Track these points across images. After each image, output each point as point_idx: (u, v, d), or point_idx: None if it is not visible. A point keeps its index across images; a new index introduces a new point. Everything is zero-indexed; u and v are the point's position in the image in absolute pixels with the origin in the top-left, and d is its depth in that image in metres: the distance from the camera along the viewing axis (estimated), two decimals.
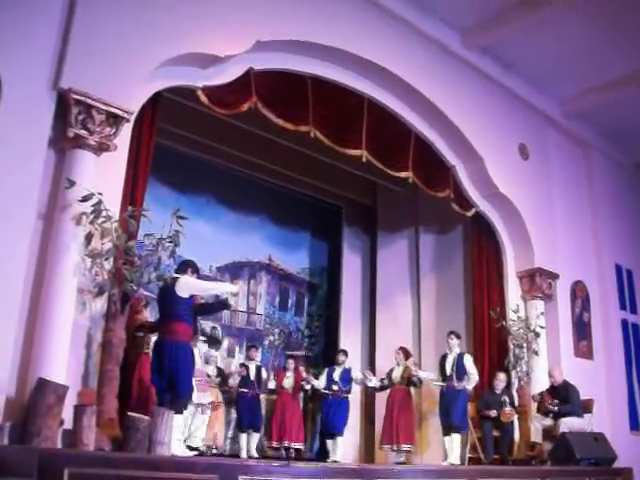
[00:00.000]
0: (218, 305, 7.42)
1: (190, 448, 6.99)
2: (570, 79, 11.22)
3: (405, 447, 9.78)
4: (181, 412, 6.26)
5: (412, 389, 10.24)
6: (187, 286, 6.41)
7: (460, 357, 9.35)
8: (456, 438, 9.09)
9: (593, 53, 10.46)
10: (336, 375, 10.16)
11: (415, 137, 10.00)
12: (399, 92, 9.52)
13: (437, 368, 9.59)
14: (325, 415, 10.12)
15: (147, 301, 8.01)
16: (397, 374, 10.12)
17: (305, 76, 8.73)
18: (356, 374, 10.34)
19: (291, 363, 10.47)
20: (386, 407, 10.10)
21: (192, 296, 6.52)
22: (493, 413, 9.16)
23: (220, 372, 9.67)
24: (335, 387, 10.08)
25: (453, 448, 9.04)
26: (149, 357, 7.03)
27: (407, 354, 10.34)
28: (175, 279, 6.45)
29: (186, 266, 6.69)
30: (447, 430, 9.17)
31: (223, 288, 7.05)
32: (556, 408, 9.09)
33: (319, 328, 12.70)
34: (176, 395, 6.20)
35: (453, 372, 9.26)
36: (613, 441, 9.33)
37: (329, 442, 10.09)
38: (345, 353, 10.50)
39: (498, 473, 7.56)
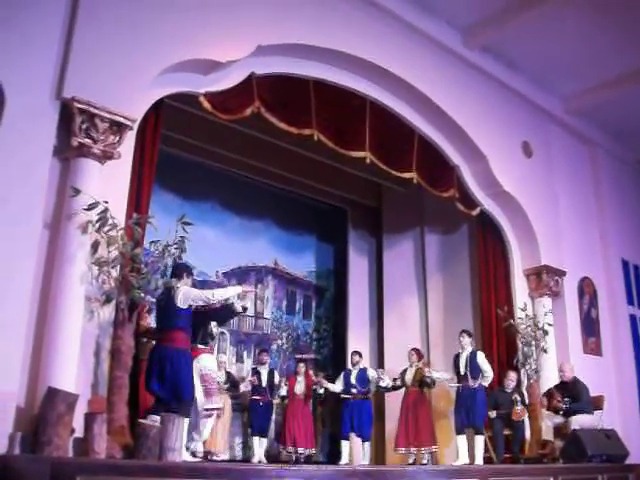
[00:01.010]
0: (226, 312, 7.38)
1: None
2: (573, 76, 11.22)
3: (427, 449, 9.70)
4: (187, 416, 6.37)
5: (426, 390, 10.18)
6: (187, 297, 6.42)
7: (473, 355, 9.25)
8: (479, 439, 8.95)
9: (596, 50, 10.45)
10: (353, 377, 10.07)
11: (418, 137, 9.99)
12: (401, 93, 9.52)
13: (452, 368, 9.49)
14: (348, 418, 9.91)
15: (150, 307, 8.02)
16: (410, 375, 10.03)
17: (307, 79, 8.73)
18: (372, 373, 10.19)
19: (302, 367, 10.34)
20: (401, 410, 10.01)
21: (191, 306, 6.52)
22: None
23: (229, 377, 9.62)
24: (354, 390, 9.97)
25: (479, 449, 8.92)
26: None
27: (420, 355, 10.30)
28: (175, 290, 6.44)
29: (181, 271, 6.66)
30: (461, 430, 9.07)
31: (225, 293, 6.91)
32: (565, 406, 9.06)
33: (327, 331, 12.71)
34: (180, 401, 6.22)
35: (467, 371, 9.15)
36: (624, 437, 9.29)
37: (344, 444, 9.92)
38: (359, 354, 10.39)
39: (510, 472, 7.54)
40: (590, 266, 11.66)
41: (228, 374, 9.64)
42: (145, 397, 7.11)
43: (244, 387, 9.62)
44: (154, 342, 6.90)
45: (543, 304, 10.45)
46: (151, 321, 7.97)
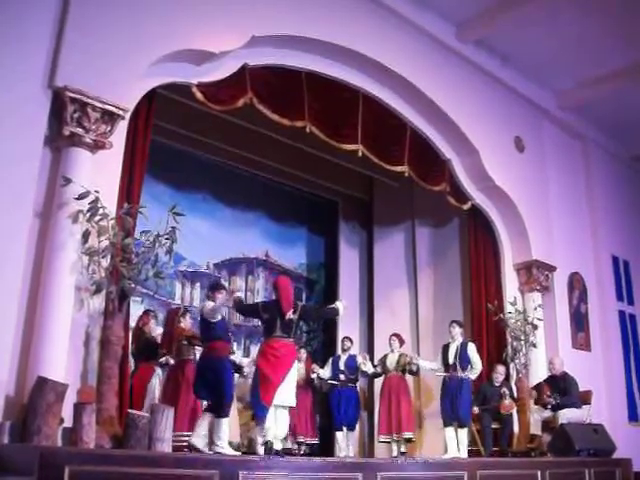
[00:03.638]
0: (331, 312, 8.08)
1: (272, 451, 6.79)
2: (566, 71, 11.24)
3: (407, 435, 9.70)
4: (227, 416, 6.66)
5: (407, 376, 10.11)
6: (205, 312, 6.83)
7: (464, 346, 9.10)
8: (462, 432, 8.85)
9: (590, 45, 10.46)
10: (341, 363, 10.02)
11: (411, 131, 9.99)
12: (394, 86, 9.51)
13: (439, 357, 9.35)
14: (335, 408, 9.88)
15: (185, 309, 8.46)
16: (392, 361, 9.99)
17: (300, 71, 8.71)
18: (360, 359, 10.12)
19: (303, 353, 10.23)
20: (381, 396, 9.97)
21: (223, 318, 6.99)
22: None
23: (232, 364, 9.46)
24: (342, 376, 9.91)
25: (462, 442, 8.83)
26: (192, 364, 7.76)
27: (401, 341, 10.23)
28: (203, 307, 6.97)
29: (210, 289, 7.22)
30: (448, 421, 8.92)
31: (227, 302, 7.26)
32: (554, 402, 9.10)
33: (317, 323, 12.70)
34: (222, 402, 6.60)
35: (456, 361, 8.99)
36: (612, 432, 9.34)
37: (339, 435, 9.90)
38: (350, 340, 10.39)
39: (498, 465, 7.56)
40: (580, 261, 11.70)
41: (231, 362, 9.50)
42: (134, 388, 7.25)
43: (248, 369, 9.37)
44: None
45: (533, 299, 10.48)
46: (189, 324, 8.26)
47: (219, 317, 6.82)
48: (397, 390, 9.85)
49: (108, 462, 4.46)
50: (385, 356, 10.14)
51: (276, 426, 6.81)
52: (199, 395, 6.98)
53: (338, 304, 7.48)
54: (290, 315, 6.99)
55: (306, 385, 10.13)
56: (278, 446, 6.76)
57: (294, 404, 7.00)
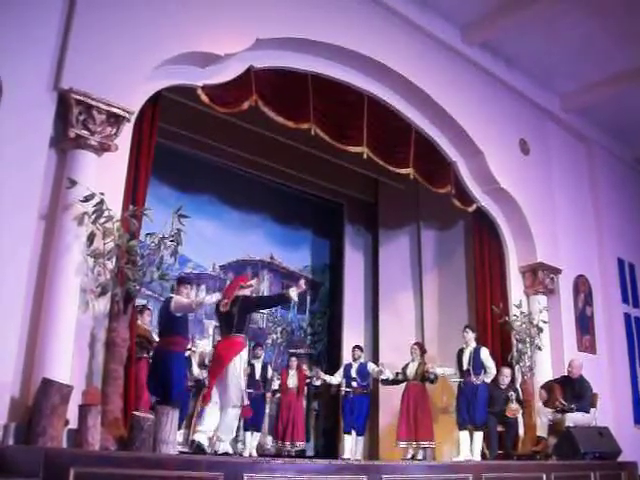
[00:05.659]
0: (280, 300, 8.05)
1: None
2: (571, 74, 11.23)
3: (425, 444, 9.72)
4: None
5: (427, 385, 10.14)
6: (176, 307, 6.83)
7: (477, 351, 9.19)
8: (478, 436, 8.89)
9: (594, 48, 10.46)
10: (353, 371, 10.09)
11: (416, 133, 9.99)
12: (399, 88, 9.52)
13: (455, 362, 9.42)
14: (347, 413, 9.99)
15: (143, 306, 8.33)
16: (412, 369, 10.02)
17: (305, 73, 8.72)
18: (372, 367, 10.21)
19: (294, 361, 10.42)
20: (402, 403, 9.97)
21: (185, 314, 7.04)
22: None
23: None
24: (354, 384, 10.01)
25: (477, 445, 8.88)
26: (147, 361, 7.67)
27: (423, 350, 10.29)
28: (170, 299, 6.93)
29: (176, 283, 7.32)
30: (463, 425, 8.99)
31: (205, 300, 7.10)
32: (567, 407, 9.07)
33: (322, 326, 12.72)
34: (169, 398, 6.54)
35: (470, 366, 9.09)
36: (617, 435, 9.31)
37: (348, 438, 9.97)
38: (360, 348, 10.46)
39: (503, 468, 7.56)
40: (585, 264, 11.68)
41: None
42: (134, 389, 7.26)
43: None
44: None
45: (538, 301, 10.46)
46: (147, 321, 8.24)
47: (180, 313, 6.88)
48: (416, 399, 9.90)
49: (113, 464, 4.47)
50: (406, 365, 10.15)
51: (218, 426, 6.72)
52: (150, 389, 6.93)
53: (290, 291, 7.05)
54: (223, 307, 6.95)
55: (299, 392, 10.24)
56: (225, 447, 6.66)
57: (236, 403, 6.74)
